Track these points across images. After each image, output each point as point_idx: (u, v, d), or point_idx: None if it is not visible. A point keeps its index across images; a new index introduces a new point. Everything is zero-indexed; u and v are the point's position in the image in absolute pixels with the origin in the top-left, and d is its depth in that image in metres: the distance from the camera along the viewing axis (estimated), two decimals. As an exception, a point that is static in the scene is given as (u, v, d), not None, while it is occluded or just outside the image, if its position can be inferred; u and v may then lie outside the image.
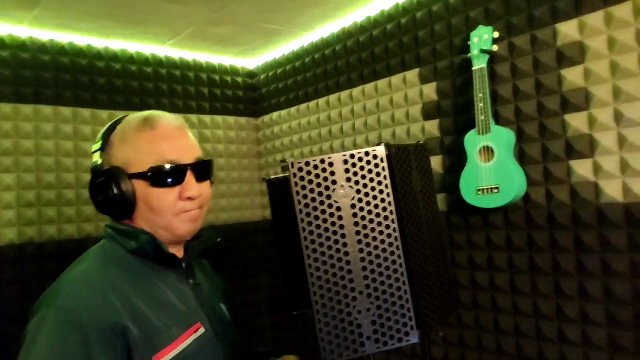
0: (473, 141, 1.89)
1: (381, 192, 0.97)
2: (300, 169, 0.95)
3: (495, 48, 1.89)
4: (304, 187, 0.95)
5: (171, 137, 1.01)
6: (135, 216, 1.01)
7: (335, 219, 0.95)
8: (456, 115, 2.09)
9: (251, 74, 3.20)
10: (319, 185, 0.95)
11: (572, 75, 1.74)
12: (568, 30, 1.73)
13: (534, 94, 1.84)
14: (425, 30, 2.18)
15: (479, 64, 1.87)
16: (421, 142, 1.14)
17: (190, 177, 1.01)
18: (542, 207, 1.83)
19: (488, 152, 1.85)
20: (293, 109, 2.93)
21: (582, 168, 1.73)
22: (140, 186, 0.98)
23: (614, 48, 1.63)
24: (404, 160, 1.03)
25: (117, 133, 1.02)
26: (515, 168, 1.82)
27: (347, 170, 0.96)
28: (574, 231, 1.75)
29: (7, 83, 2.23)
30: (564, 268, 1.77)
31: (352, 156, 0.97)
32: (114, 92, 2.56)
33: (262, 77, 3.14)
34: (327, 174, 0.95)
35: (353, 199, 0.96)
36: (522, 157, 1.87)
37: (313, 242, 0.94)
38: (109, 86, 2.54)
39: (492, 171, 1.83)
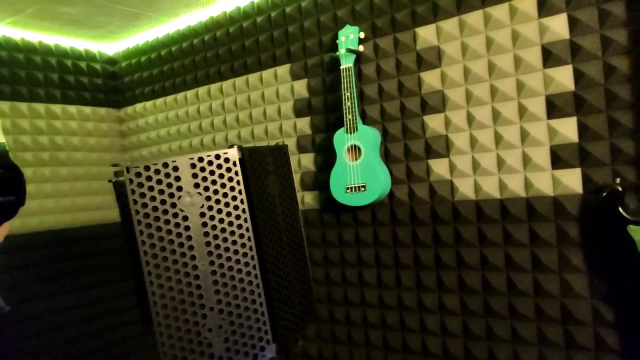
0: (341, 140, 1.90)
1: (234, 198, 0.89)
2: (139, 174, 0.83)
3: (361, 48, 1.91)
4: (143, 195, 0.84)
5: None
6: None
7: (181, 230, 0.85)
8: (326, 112, 2.09)
9: (111, 61, 2.90)
10: (161, 192, 0.85)
11: (430, 78, 1.82)
12: (426, 34, 1.81)
13: (397, 95, 1.90)
14: (295, 26, 2.15)
15: (346, 63, 1.88)
16: (279, 143, 1.09)
17: None
18: (405, 204, 1.90)
19: (356, 150, 1.87)
20: (159, 101, 2.72)
21: (439, 167, 1.82)
22: None
23: (466, 53, 1.73)
24: (259, 163, 0.97)
25: None
26: (381, 167, 1.87)
27: (195, 175, 0.87)
28: (432, 226, 1.84)
29: None
30: (423, 262, 1.86)
31: (201, 159, 0.88)
32: None
33: (124, 64, 2.87)
34: (171, 180, 0.85)
35: (202, 207, 0.87)
36: (386, 155, 1.93)
37: (155, 256, 0.83)
38: None
39: (360, 170, 1.85)
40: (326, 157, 2.09)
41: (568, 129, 1.55)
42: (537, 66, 1.60)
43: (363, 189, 1.84)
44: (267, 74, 2.27)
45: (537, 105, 1.61)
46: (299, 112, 2.18)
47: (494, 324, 1.72)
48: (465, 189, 1.77)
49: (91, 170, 2.76)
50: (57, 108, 2.60)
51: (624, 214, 1.37)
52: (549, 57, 1.57)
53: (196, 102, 2.56)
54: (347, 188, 1.88)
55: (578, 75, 1.52)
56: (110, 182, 1.27)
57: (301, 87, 2.16)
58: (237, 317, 0.88)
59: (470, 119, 1.75)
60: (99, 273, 2.71)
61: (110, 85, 2.89)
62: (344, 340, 2.10)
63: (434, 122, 1.82)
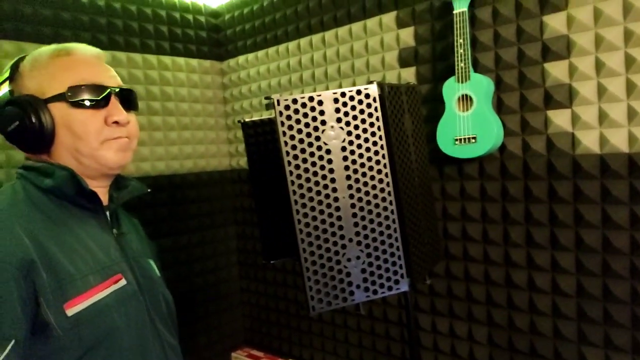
0: (451, 89, 1.83)
1: (373, 134, 0.90)
2: (287, 107, 0.86)
3: (477, -9, 1.81)
4: (290, 127, 0.86)
5: (90, 62, 0.95)
6: (54, 149, 0.91)
7: (324, 162, 0.88)
8: (434, 61, 2.02)
9: (215, 14, 2.99)
10: (307, 125, 0.87)
11: (554, 22, 1.69)
12: (554, -27, 1.67)
13: (514, 41, 1.79)
14: (404, -30, 2.07)
15: (460, 7, 1.79)
16: (412, 84, 1.07)
17: (115, 101, 0.94)
18: (517, 157, 1.82)
19: (466, 100, 1.80)
20: (261, 53, 2.77)
21: (559, 118, 1.71)
22: (59, 110, 0.89)
23: (600, -6, 1.58)
24: (396, 102, 0.96)
25: (27, 62, 0.93)
26: (493, 118, 1.79)
27: (337, 110, 0.88)
28: (548, 181, 1.75)
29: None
30: (536, 218, 1.79)
31: (343, 94, 0.88)
32: (60, 25, 2.32)
33: (227, 17, 2.94)
34: (315, 113, 0.87)
35: (343, 140, 0.88)
36: (499, 106, 1.84)
37: (301, 186, 0.87)
38: (54, 19, 2.29)
39: (470, 121, 1.79)
40: (432, 108, 2.03)
41: None
42: (687, 4, 1.42)
43: (474, 140, 1.78)
44: (371, 22, 2.22)
45: (684, 49, 1.44)
46: (404, 62, 2.13)
47: (612, 284, 1.63)
48: (588, 141, 1.65)
49: (196, 120, 2.90)
50: (167, 60, 2.73)
51: None
52: None
53: (297, 54, 2.57)
54: (456, 139, 1.83)
55: None
56: (239, 123, 1.33)
57: (407, 35, 2.10)
58: (374, 249, 0.91)
59: (598, 65, 1.61)
60: (202, 218, 2.90)
61: (214, 38, 2.98)
62: (443, 294, 2.10)
63: (556, 70, 1.70)
